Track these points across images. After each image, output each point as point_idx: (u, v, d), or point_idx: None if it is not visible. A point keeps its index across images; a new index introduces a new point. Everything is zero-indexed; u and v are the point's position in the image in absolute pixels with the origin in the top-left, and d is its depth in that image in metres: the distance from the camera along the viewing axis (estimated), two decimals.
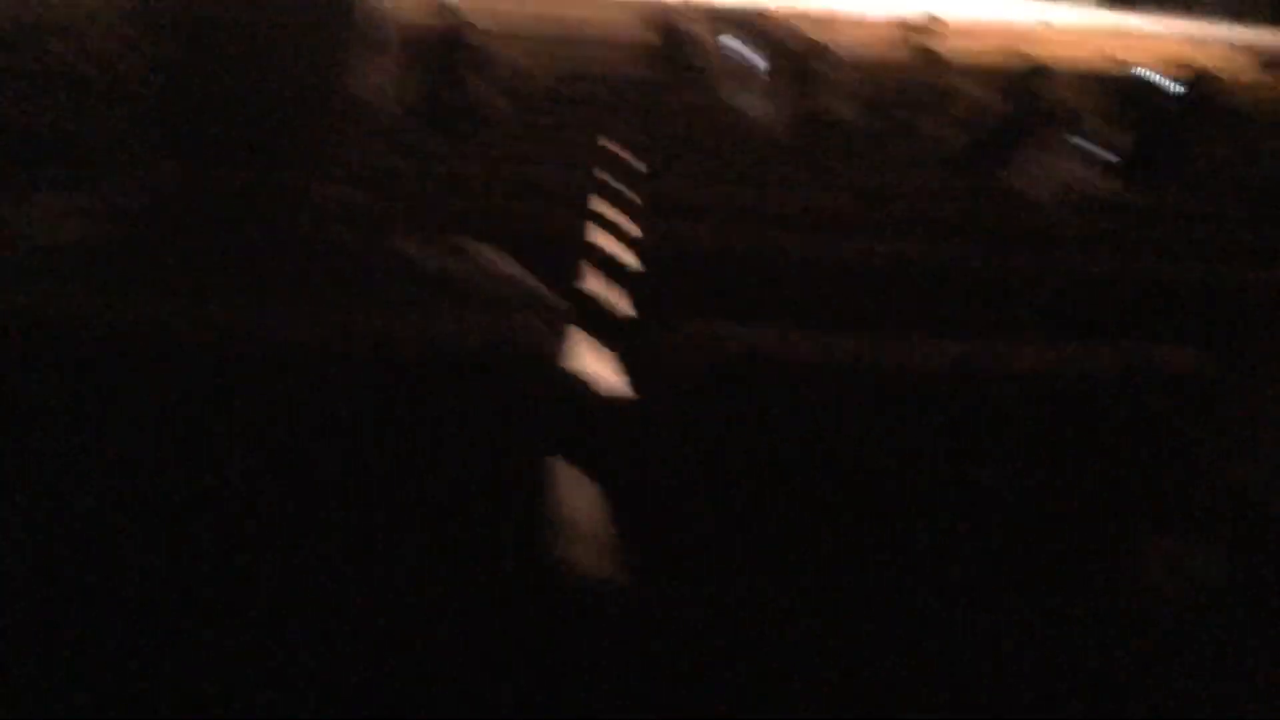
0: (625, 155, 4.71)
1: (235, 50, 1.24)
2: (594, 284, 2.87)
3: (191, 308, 1.21)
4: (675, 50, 6.58)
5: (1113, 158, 3.79)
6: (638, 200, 3.40)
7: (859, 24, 10.30)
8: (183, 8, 1.26)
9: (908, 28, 9.05)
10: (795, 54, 5.56)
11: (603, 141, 4.75)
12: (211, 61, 1.24)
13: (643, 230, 2.76)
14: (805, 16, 9.89)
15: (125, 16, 3.73)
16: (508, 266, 1.38)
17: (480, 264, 1.37)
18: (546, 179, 3.43)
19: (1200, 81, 5.81)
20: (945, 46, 9.41)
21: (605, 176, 3.68)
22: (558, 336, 1.32)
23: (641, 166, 4.24)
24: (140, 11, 1.33)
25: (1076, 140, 4.67)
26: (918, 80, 8.17)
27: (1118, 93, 4.83)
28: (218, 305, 1.22)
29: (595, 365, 2.46)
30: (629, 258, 2.97)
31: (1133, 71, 5.45)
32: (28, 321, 1.18)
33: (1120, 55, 8.47)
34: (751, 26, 9.20)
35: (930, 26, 9.04)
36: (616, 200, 3.65)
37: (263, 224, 1.27)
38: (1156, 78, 5.97)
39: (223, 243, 1.26)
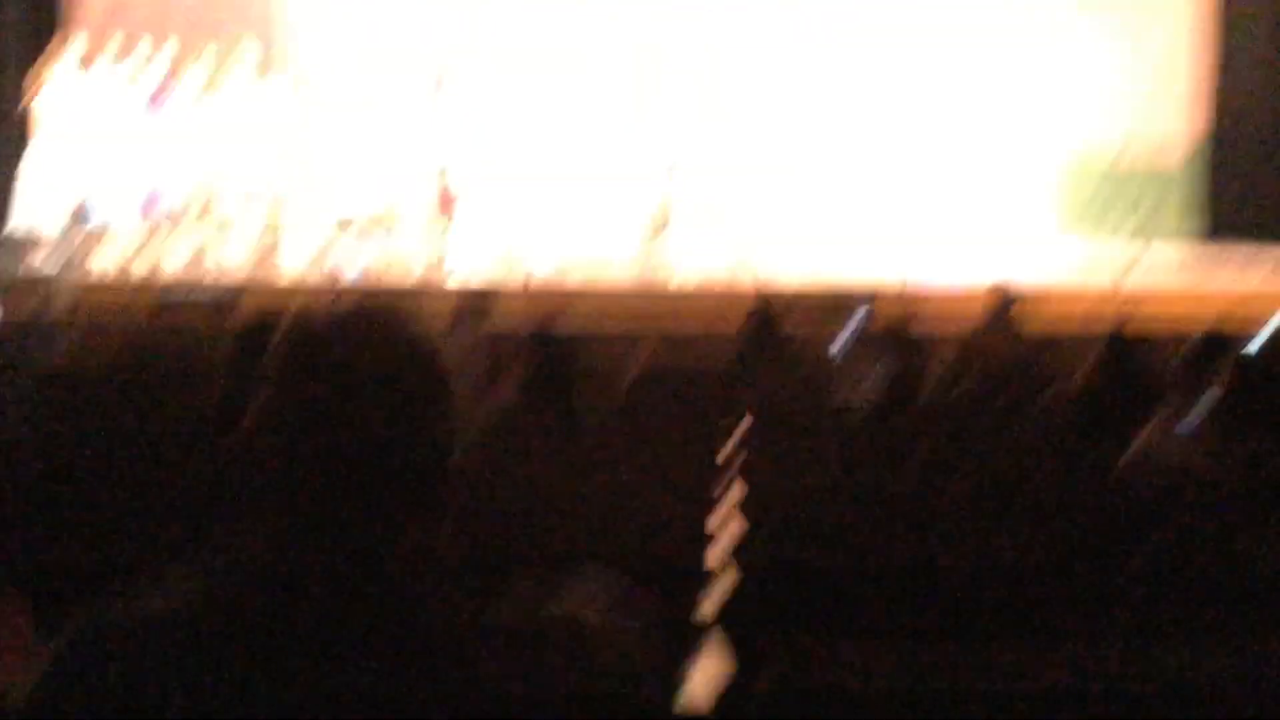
0: (720, 451, 4.76)
1: (350, 402, 1.32)
2: (696, 599, 2.87)
3: (293, 676, 1.25)
4: (766, 337, 6.71)
5: (1210, 426, 3.74)
6: (735, 503, 3.43)
7: (944, 297, 10.45)
8: (297, 356, 1.36)
9: (991, 298, 9.14)
10: (887, 334, 5.64)
11: (694, 439, 4.81)
12: (327, 413, 1.32)
13: (743, 536, 2.78)
14: (890, 292, 10.09)
15: (239, 357, 3.90)
16: (604, 602, 1.41)
17: (581, 604, 1.39)
18: (641, 487, 3.47)
19: None
20: (1031, 314, 9.50)
21: (700, 481, 3.72)
22: (656, 668, 1.35)
23: (737, 463, 4.28)
24: (255, 354, 1.42)
25: (1173, 410, 4.62)
26: (1007, 354, 8.22)
27: (1205, 352, 4.78)
28: (320, 672, 1.26)
29: (697, 684, 2.44)
30: (729, 568, 2.97)
31: (1221, 328, 5.42)
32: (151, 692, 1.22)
33: (1217, 307, 8.47)
34: (840, 307, 9.39)
35: (1013, 296, 9.13)
36: (714, 505, 3.68)
37: (377, 583, 1.32)
38: (1252, 333, 5.93)
39: (338, 604, 1.30)
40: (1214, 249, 13.49)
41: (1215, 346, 4.88)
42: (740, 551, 3.07)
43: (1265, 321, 6.71)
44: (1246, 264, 11.84)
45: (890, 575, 2.33)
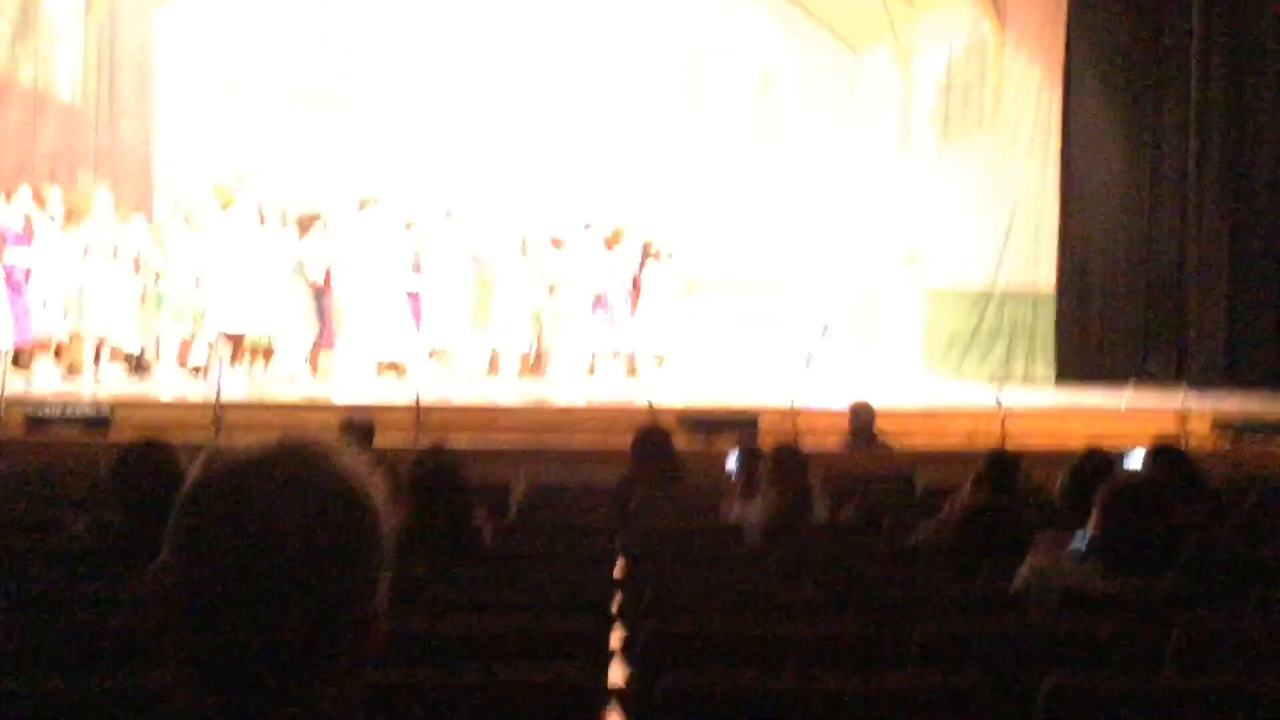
0: (615, 574, 4.72)
1: (257, 564, 1.23)
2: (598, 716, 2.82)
3: None
4: (656, 457, 6.70)
5: (1089, 544, 3.82)
6: (633, 634, 3.39)
7: (819, 416, 10.57)
8: (214, 503, 1.26)
9: (854, 412, 9.28)
10: (773, 455, 5.68)
11: (587, 565, 4.77)
12: (233, 573, 1.23)
13: (644, 677, 2.75)
14: (770, 412, 10.21)
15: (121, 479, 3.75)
16: None
17: None
18: (536, 617, 3.42)
19: (1165, 454, 5.95)
20: (902, 436, 9.68)
21: (596, 611, 3.67)
22: None
23: (633, 591, 4.24)
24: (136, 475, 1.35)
25: (1053, 529, 4.72)
26: (885, 473, 8.36)
27: (1084, 473, 4.92)
28: None
29: None
30: (630, 710, 2.93)
31: (1097, 450, 5.58)
32: None
33: (1082, 433, 8.70)
34: (727, 428, 9.47)
35: (871, 410, 9.28)
36: (611, 638, 3.63)
37: None
38: (1123, 455, 6.12)
39: None
40: (1064, 391, 13.95)
41: (1090, 469, 5.00)
42: (635, 672, 3.04)
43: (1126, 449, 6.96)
44: (1096, 404, 12.27)
45: (779, 698, 2.32)
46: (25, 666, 2.96)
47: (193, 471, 1.31)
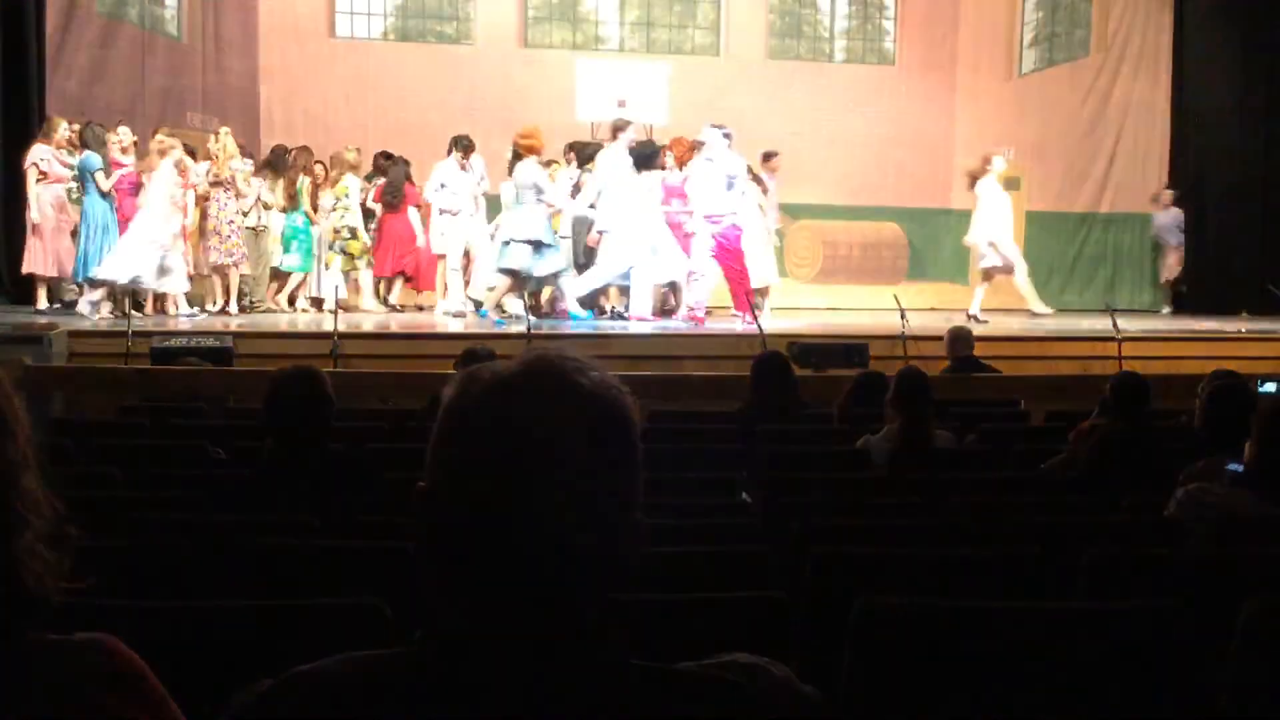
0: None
1: (530, 478, 1.23)
2: None
3: None
4: (777, 386, 6.62)
5: (1245, 470, 3.77)
6: (795, 559, 3.41)
7: (929, 342, 10.46)
8: None
9: (951, 346, 9.14)
10: (898, 381, 5.60)
11: (720, 493, 4.76)
12: None
13: (817, 599, 2.80)
14: (880, 339, 10.12)
15: None
16: None
17: None
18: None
19: None
20: (1012, 363, 9.54)
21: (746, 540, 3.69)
22: None
23: (773, 519, 4.25)
24: None
25: (1195, 455, 4.65)
26: (992, 400, 8.25)
27: (1223, 399, 4.82)
28: None
29: None
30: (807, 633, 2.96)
31: (1231, 374, 5.47)
32: None
33: (1204, 360, 8.55)
34: (838, 356, 9.42)
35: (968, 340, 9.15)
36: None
37: None
38: (1257, 381, 5.99)
39: None
40: (1175, 319, 13.69)
41: (1227, 394, 4.88)
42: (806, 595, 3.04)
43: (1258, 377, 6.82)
44: (1211, 331, 12.00)
45: (972, 619, 2.27)
46: (208, 593, 3.03)
47: (447, 392, 1.31)
